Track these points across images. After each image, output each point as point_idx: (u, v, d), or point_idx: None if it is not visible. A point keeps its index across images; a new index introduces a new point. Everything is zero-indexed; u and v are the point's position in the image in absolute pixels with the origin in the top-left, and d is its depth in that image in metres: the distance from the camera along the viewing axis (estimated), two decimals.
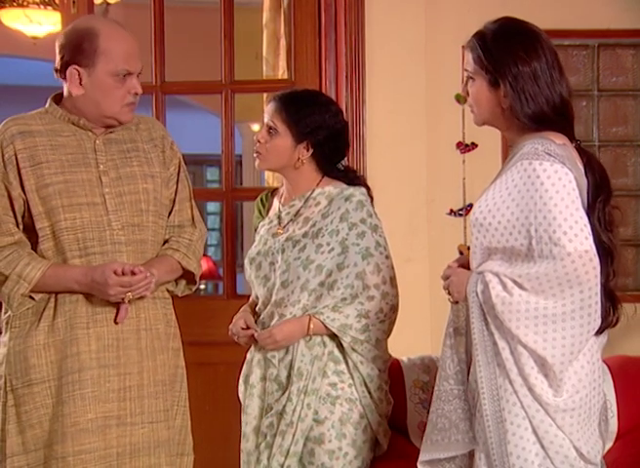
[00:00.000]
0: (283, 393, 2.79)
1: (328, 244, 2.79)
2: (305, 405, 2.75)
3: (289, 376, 2.79)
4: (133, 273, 2.52)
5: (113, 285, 2.51)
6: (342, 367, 2.80)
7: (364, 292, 2.77)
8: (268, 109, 2.89)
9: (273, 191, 3.07)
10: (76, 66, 2.60)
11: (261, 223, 2.98)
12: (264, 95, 4.59)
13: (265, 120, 2.88)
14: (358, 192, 2.85)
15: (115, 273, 2.50)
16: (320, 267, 2.78)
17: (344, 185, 2.87)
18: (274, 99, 2.90)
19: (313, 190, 2.88)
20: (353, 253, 2.77)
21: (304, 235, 2.82)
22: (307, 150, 2.85)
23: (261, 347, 2.84)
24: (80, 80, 2.61)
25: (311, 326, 2.76)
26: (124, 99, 2.62)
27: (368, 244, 2.79)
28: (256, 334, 2.83)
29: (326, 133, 2.84)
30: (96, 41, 2.58)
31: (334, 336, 2.79)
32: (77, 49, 2.60)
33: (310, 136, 2.83)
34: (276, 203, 2.98)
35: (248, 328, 2.86)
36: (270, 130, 2.86)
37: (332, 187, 2.87)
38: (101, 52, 2.58)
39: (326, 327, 2.75)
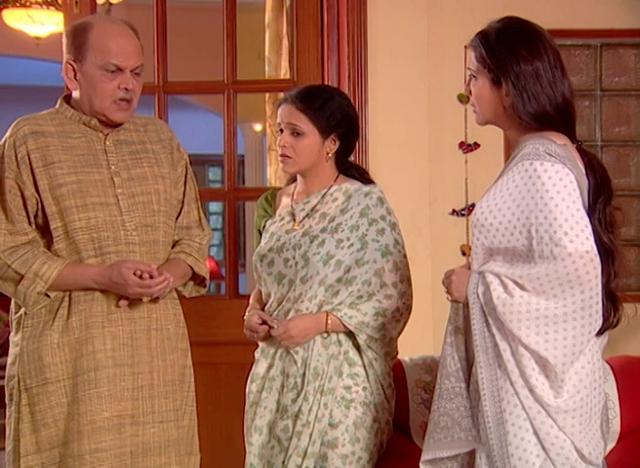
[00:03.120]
0: (298, 394, 2.76)
1: (348, 239, 2.78)
2: (322, 404, 2.73)
3: (303, 375, 2.76)
4: (151, 276, 2.53)
5: (133, 285, 2.53)
6: (357, 369, 2.78)
7: (381, 291, 2.76)
8: (284, 112, 2.83)
9: (278, 190, 3.06)
10: (70, 61, 2.62)
11: (270, 221, 2.96)
12: (267, 95, 4.60)
13: (284, 123, 2.83)
14: (376, 189, 2.86)
15: (135, 274, 2.52)
16: (339, 262, 2.76)
17: (360, 183, 2.88)
18: (290, 101, 2.84)
19: (330, 187, 2.87)
20: (373, 249, 2.77)
21: (323, 230, 2.80)
22: (334, 143, 2.84)
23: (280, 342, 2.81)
24: (75, 74, 2.63)
25: (329, 322, 2.75)
26: (113, 95, 2.61)
27: (387, 241, 2.79)
28: (272, 330, 2.79)
29: (348, 121, 2.85)
30: (87, 35, 2.60)
31: (349, 335, 2.78)
32: (71, 43, 2.62)
33: (336, 128, 2.82)
34: (286, 200, 2.97)
35: (263, 323, 2.82)
36: (294, 132, 2.82)
37: (348, 184, 2.87)
38: (90, 45, 2.59)
39: (343, 324, 2.74)
